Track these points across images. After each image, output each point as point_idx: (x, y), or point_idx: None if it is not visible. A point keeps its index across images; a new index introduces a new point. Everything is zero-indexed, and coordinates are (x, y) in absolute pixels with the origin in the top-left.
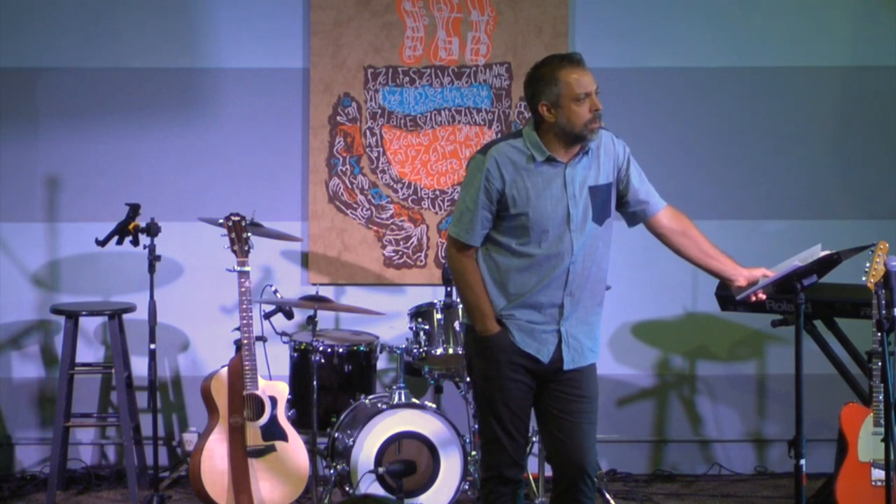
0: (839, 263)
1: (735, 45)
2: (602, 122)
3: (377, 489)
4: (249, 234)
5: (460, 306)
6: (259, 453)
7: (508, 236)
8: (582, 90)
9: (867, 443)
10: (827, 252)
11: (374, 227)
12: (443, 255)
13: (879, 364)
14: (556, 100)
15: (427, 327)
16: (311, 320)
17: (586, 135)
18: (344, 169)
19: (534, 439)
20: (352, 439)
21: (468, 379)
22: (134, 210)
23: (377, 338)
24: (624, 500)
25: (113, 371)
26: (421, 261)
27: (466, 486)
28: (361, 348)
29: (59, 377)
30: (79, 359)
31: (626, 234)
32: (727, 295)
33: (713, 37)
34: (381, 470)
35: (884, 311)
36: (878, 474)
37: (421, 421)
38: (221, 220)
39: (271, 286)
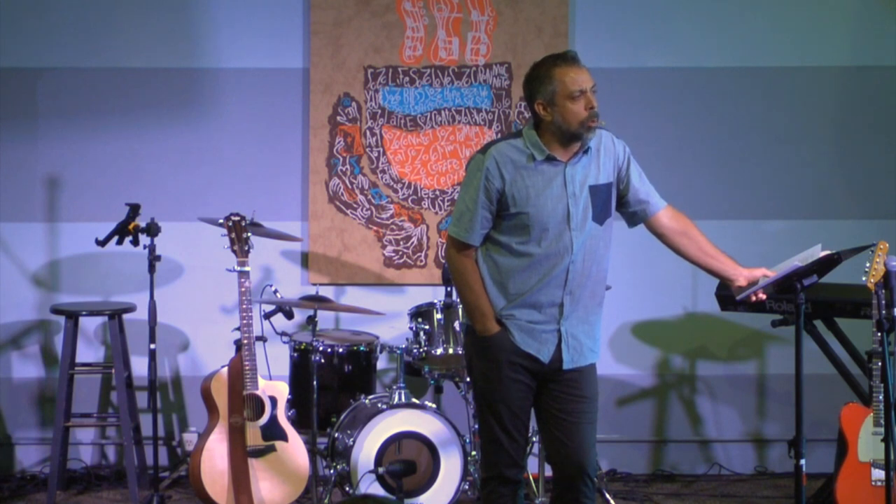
0: (839, 263)
1: (735, 45)
2: (602, 122)
3: (377, 489)
4: (249, 234)
5: (460, 306)
6: (259, 453)
7: (508, 235)
8: (576, 87)
9: (867, 443)
10: (827, 252)
11: (374, 227)
12: (443, 255)
13: (879, 364)
14: (551, 98)
15: (427, 327)
16: (311, 320)
17: (582, 133)
18: (344, 169)
19: (534, 439)
20: (352, 439)
21: (468, 379)
22: (134, 210)
23: (377, 338)
24: (624, 500)
25: (113, 371)
26: (421, 261)
27: (466, 486)
28: (361, 348)
29: (59, 377)
30: (79, 359)
31: (626, 234)
32: (727, 295)
33: (713, 37)
34: (381, 470)
35: (884, 311)
36: (878, 474)
37: (421, 421)
38: (221, 220)
39: (271, 286)
